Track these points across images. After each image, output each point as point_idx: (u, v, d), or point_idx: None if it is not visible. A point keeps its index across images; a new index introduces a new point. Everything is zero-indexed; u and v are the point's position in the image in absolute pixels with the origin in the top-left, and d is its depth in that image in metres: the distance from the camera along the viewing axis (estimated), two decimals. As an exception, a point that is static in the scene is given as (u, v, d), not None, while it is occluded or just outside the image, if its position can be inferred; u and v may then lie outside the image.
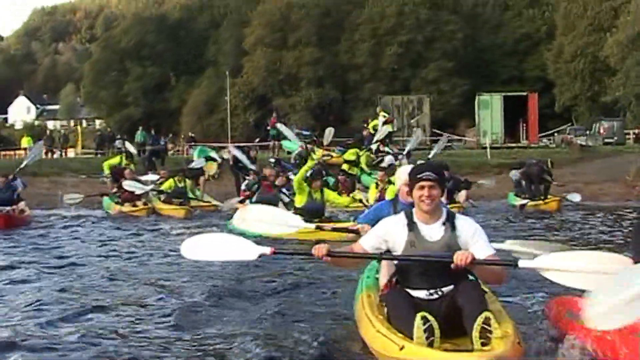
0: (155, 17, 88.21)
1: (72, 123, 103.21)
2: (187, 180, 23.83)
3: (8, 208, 19.50)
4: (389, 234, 6.13)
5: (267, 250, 6.43)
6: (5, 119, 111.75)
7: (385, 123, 34.53)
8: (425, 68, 69.06)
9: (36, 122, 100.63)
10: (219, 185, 27.37)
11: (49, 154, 45.82)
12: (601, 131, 49.24)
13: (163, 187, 23.51)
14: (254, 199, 18.32)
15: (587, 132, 50.34)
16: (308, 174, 16.22)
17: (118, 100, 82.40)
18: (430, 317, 5.41)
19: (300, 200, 15.80)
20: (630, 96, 53.07)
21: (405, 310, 5.69)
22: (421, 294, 5.96)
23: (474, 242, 5.95)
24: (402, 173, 7.68)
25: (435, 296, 5.93)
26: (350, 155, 28.05)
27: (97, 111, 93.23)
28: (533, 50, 70.33)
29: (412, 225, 6.05)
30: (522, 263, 5.93)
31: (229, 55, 77.44)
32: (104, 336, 6.85)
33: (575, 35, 61.20)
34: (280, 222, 7.56)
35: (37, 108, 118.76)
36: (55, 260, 12.65)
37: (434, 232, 6.01)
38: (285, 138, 28.17)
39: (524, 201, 23.36)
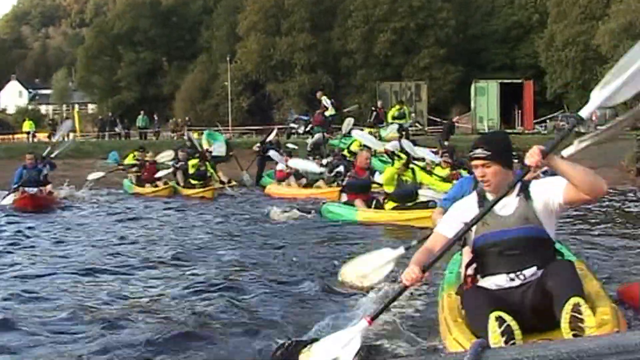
0: (148, 2, 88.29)
1: (64, 107, 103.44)
2: (207, 163, 24.16)
3: (35, 189, 19.49)
4: (463, 215, 5.46)
5: (363, 324, 5.28)
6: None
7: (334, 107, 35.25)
8: (418, 55, 69.61)
9: (29, 107, 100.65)
10: (229, 168, 27.80)
11: (52, 137, 46.36)
12: (593, 118, 49.83)
13: (190, 170, 23.76)
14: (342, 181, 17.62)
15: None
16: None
17: (111, 85, 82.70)
18: (506, 317, 4.71)
19: (390, 187, 14.91)
20: (622, 84, 53.72)
21: (481, 310, 4.92)
22: (501, 280, 5.27)
23: (548, 188, 5.33)
24: None
25: (517, 282, 5.22)
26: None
27: (90, 96, 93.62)
28: (525, 37, 70.88)
29: (483, 203, 5.41)
30: (583, 112, 5.47)
31: (222, 41, 77.78)
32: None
33: (567, 24, 61.76)
34: (380, 264, 6.93)
35: (30, 92, 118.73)
36: (83, 241, 12.84)
37: (508, 205, 5.34)
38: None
39: None
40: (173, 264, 10.21)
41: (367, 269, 6.98)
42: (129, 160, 27.07)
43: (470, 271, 5.52)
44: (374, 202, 15.68)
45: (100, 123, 53.92)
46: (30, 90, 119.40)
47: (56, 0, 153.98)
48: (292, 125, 35.62)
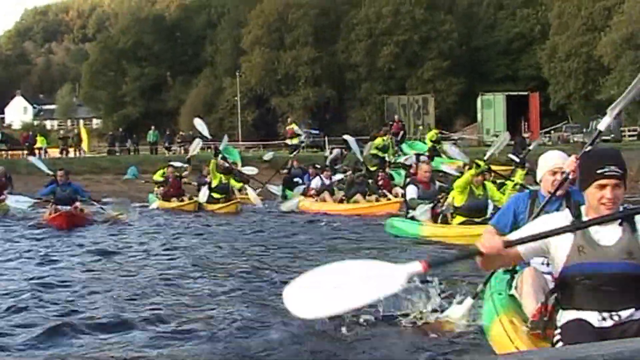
0: (152, 17, 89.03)
1: (69, 122, 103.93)
2: (232, 179, 24.46)
3: (68, 207, 18.61)
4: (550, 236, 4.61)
5: (417, 266, 4.26)
6: (2, 119, 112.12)
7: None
8: (421, 67, 70.22)
9: (35, 122, 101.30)
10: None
11: (64, 153, 46.83)
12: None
13: (213, 184, 24.03)
14: (412, 195, 15.84)
15: (584, 130, 51.47)
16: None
17: (116, 100, 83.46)
18: None
19: (460, 200, 13.74)
20: (625, 95, 54.26)
21: None
22: (591, 318, 4.52)
23: None
24: (548, 160, 6.55)
25: (610, 322, 4.49)
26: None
27: (95, 111, 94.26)
28: (527, 49, 71.44)
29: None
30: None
31: (226, 55, 78.41)
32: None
33: (569, 35, 62.27)
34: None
35: (34, 108, 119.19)
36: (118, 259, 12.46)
37: (608, 234, 4.55)
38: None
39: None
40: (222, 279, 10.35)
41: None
42: (157, 176, 27.49)
43: (549, 298, 4.91)
44: (440, 217, 14.63)
45: (110, 138, 54.78)
46: (35, 105, 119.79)
47: (58, 15, 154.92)
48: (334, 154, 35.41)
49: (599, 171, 4.49)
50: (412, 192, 15.76)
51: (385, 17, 70.49)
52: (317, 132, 49.44)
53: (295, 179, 27.53)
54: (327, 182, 23.36)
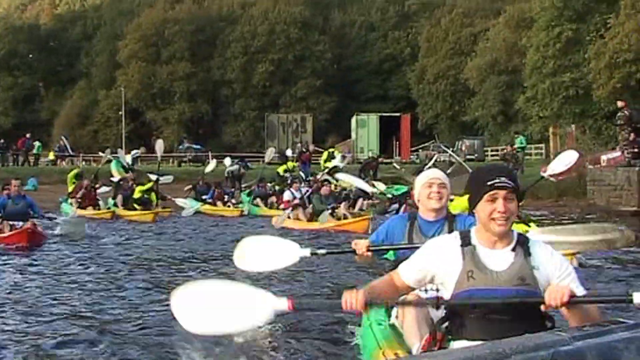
0: (27, 26, 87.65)
1: None
2: (153, 192, 25.61)
3: (22, 223, 16.21)
4: (437, 260, 4.21)
5: (283, 304, 4.28)
6: None
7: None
8: (295, 85, 72.06)
9: None
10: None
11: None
12: (463, 148, 52.76)
13: (135, 195, 25.25)
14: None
15: (451, 149, 53.86)
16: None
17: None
18: None
19: None
20: (488, 117, 57.25)
21: None
22: None
23: (563, 276, 4.07)
24: (422, 176, 5.92)
25: None
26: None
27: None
28: (397, 70, 74.24)
29: (469, 249, 4.17)
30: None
31: (102, 68, 78.35)
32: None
33: (437, 58, 65.17)
34: (281, 253, 6.24)
35: None
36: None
37: (499, 259, 4.13)
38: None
39: None
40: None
41: (268, 253, 6.23)
42: (70, 187, 28.32)
43: (439, 326, 4.36)
44: None
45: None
46: None
47: None
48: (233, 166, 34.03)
49: (489, 183, 4.03)
50: None
51: (260, 35, 71.98)
52: (199, 146, 50.48)
53: (203, 196, 28.59)
54: (298, 195, 21.97)
